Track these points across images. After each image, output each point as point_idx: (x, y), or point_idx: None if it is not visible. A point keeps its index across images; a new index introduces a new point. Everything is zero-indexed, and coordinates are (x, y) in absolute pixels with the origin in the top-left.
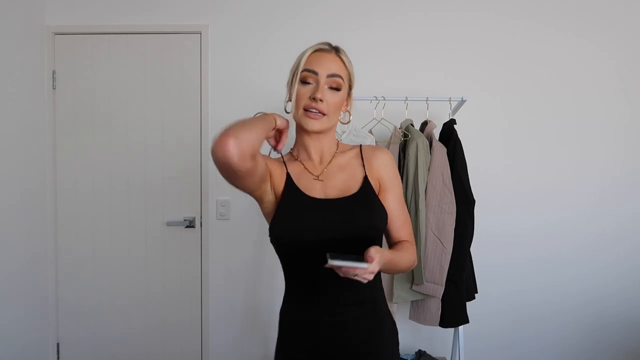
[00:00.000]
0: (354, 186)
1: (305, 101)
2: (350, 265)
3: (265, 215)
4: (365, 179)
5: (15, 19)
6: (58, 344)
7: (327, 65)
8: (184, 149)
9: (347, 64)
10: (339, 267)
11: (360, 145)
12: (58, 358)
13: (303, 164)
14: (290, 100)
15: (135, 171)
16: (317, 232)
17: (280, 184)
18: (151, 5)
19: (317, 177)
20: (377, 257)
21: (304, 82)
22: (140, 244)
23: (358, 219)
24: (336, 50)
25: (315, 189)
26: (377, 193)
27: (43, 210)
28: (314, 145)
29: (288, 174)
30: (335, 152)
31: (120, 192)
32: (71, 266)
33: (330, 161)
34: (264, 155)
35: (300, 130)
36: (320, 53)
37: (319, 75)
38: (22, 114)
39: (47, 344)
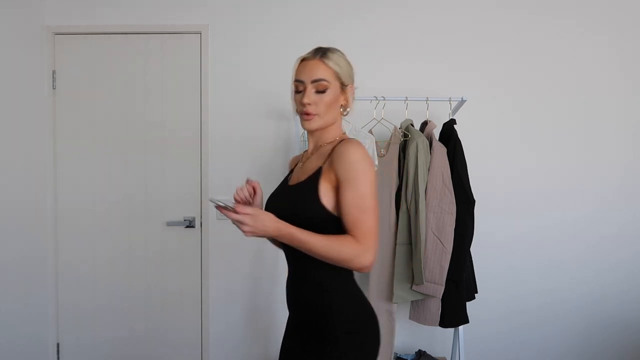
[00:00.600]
0: (306, 176)
1: (299, 107)
2: (219, 204)
3: None
4: (318, 170)
5: (15, 19)
6: (58, 345)
7: (310, 73)
8: (184, 148)
9: (331, 65)
10: (221, 209)
11: (345, 139)
12: (58, 358)
13: (304, 153)
14: None
15: (135, 171)
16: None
17: None
18: (151, 5)
19: (304, 162)
20: (253, 214)
21: (297, 91)
22: (140, 244)
23: (286, 204)
24: (321, 54)
25: (295, 175)
26: (331, 185)
27: (43, 210)
28: (312, 139)
29: (292, 169)
30: (327, 143)
31: (120, 192)
32: (71, 266)
33: (315, 151)
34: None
35: None
36: (304, 62)
37: (305, 83)
38: (22, 114)
39: (47, 344)
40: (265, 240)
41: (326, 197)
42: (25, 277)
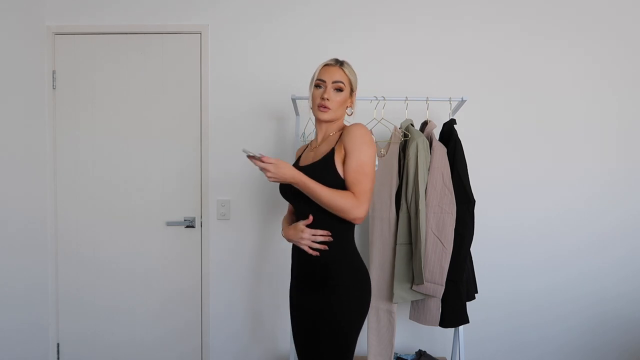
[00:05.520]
0: (321, 156)
1: (318, 100)
2: (250, 154)
3: None
4: (331, 151)
5: (15, 19)
6: (58, 344)
7: (332, 75)
8: (184, 149)
9: (348, 73)
10: (252, 158)
11: (347, 125)
12: (58, 358)
13: (311, 143)
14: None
15: (135, 171)
16: (286, 188)
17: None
18: (151, 5)
19: (312, 149)
20: (276, 163)
21: (317, 87)
22: (140, 244)
23: (310, 175)
24: (340, 64)
25: (306, 158)
26: (341, 159)
27: (43, 210)
28: (321, 129)
29: (299, 156)
30: (334, 133)
31: (120, 192)
32: (71, 266)
33: (324, 140)
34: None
35: (316, 120)
36: (327, 67)
37: (326, 82)
38: (22, 114)
39: (47, 344)
40: (264, 241)
41: (339, 168)
42: (25, 277)
